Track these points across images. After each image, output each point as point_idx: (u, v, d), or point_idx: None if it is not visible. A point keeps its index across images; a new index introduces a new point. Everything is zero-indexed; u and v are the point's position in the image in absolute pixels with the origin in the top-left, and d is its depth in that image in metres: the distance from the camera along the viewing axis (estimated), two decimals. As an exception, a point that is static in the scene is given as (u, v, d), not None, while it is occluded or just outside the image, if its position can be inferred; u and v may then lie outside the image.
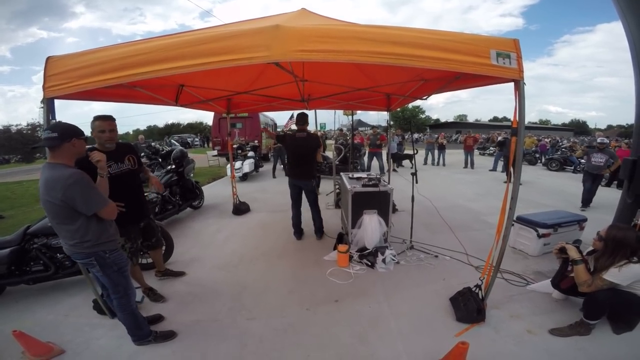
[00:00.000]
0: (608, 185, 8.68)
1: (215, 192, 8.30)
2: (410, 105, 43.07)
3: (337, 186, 6.65)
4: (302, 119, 4.41)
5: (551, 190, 8.38)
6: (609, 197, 6.66)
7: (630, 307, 2.41)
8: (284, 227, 5.08)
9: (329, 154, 9.79)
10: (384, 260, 3.67)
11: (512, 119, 2.27)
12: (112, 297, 2.28)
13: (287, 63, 2.94)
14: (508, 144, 9.08)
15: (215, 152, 14.02)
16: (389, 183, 4.39)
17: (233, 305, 3.01)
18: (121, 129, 2.89)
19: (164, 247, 3.57)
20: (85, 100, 2.84)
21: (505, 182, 8.76)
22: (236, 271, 3.74)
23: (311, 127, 5.01)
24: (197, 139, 35.61)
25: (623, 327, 2.52)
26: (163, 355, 2.36)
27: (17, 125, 33.80)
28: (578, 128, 67.44)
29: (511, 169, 2.40)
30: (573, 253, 2.58)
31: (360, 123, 30.06)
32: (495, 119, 79.52)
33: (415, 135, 30.81)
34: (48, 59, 2.19)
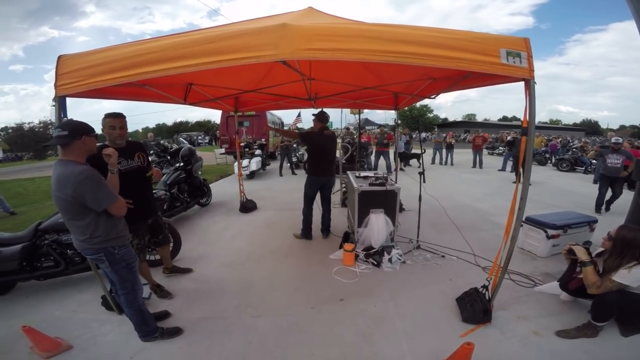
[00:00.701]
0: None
1: (222, 189, 8.36)
2: (418, 104, 42.78)
3: (343, 185, 6.65)
4: (326, 117, 4.44)
5: (561, 190, 8.26)
6: (622, 197, 6.53)
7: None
8: (290, 226, 5.10)
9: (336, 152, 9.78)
10: (390, 260, 3.66)
11: (522, 118, 2.24)
12: (120, 293, 2.31)
13: (294, 61, 2.94)
14: (517, 144, 8.99)
15: (222, 150, 14.12)
16: (396, 182, 4.37)
17: (239, 302, 3.03)
18: (130, 127, 2.93)
19: (171, 244, 3.61)
20: (96, 98, 2.88)
21: (514, 182, 8.67)
22: (243, 269, 3.76)
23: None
24: (205, 137, 35.87)
25: (631, 329, 2.47)
26: (169, 352, 2.39)
27: (29, 123, 34.61)
28: (590, 128, 66.36)
29: (520, 169, 2.37)
30: (582, 254, 2.54)
31: (367, 122, 29.96)
32: (505, 118, 78.58)
33: (423, 135, 30.61)
34: (60, 57, 2.22)
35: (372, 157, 11.22)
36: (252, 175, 9.93)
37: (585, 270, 2.49)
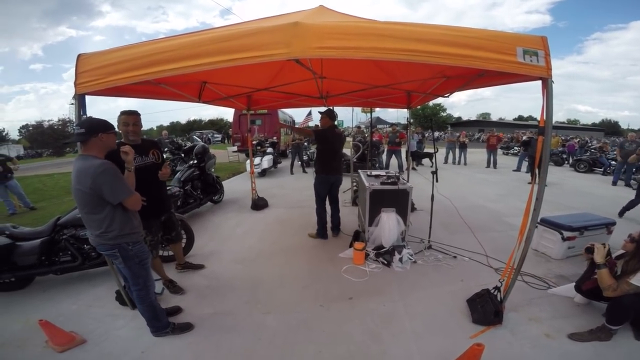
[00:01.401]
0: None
1: (234, 187, 8.45)
2: (430, 103, 42.27)
3: (354, 183, 6.64)
4: (334, 115, 4.44)
5: (578, 192, 8.04)
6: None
7: (657, 313, 2.31)
8: (301, 224, 5.13)
9: (347, 151, 9.77)
10: (400, 260, 3.64)
11: (538, 117, 2.20)
12: (132, 289, 2.36)
13: (306, 60, 2.95)
14: (533, 144, 8.80)
15: (235, 148, 14.26)
16: (408, 181, 4.34)
17: (249, 299, 3.07)
18: (145, 125, 2.99)
19: (184, 241, 3.67)
20: (113, 96, 2.95)
21: (529, 183, 8.50)
22: (253, 265, 3.80)
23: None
24: (217, 135, 36.26)
25: (647, 333, 2.40)
26: (179, 347, 2.43)
27: (49, 121, 35.86)
28: (609, 128, 64.37)
29: (536, 170, 2.33)
30: (598, 256, 2.48)
31: (379, 120, 29.74)
32: (520, 117, 76.92)
33: (436, 134, 30.23)
34: (79, 56, 2.27)
35: (384, 156, 11.15)
36: (263, 173, 10.00)
37: (600, 273, 2.43)
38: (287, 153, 14.29)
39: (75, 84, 2.28)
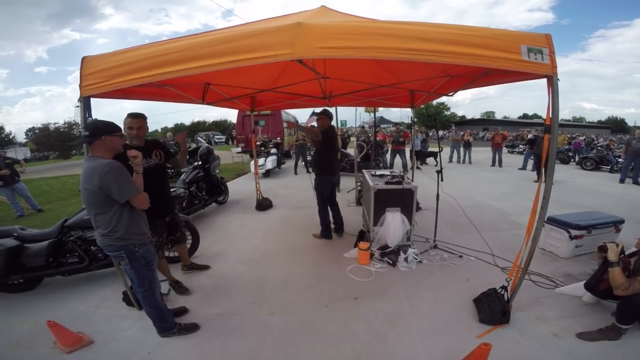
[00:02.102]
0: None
1: (239, 188, 8.48)
2: (434, 102, 42.11)
3: (358, 183, 6.63)
4: (332, 115, 4.41)
5: (585, 190, 7.95)
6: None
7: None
8: (305, 224, 5.13)
9: (351, 151, 9.75)
10: (406, 259, 3.63)
11: (543, 116, 2.18)
12: (138, 291, 2.38)
13: (309, 60, 2.95)
14: (539, 142, 8.73)
15: (239, 149, 14.31)
16: (412, 181, 4.32)
17: (254, 299, 3.08)
18: (150, 127, 3.02)
19: (189, 242, 3.69)
20: (118, 98, 2.96)
21: (535, 181, 8.44)
22: (258, 266, 3.81)
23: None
24: (221, 136, 36.39)
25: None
26: (185, 347, 2.44)
27: (55, 124, 36.24)
28: (615, 126, 63.69)
29: (542, 168, 2.31)
30: (612, 254, 2.44)
31: (382, 120, 29.69)
32: (525, 116, 76.38)
33: (440, 133, 30.11)
34: (83, 59, 2.29)
35: (388, 156, 11.13)
36: (267, 173, 10.02)
37: (612, 271, 2.39)
38: (291, 153, 14.30)
39: (80, 87, 2.30)
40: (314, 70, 3.14)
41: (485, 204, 6.42)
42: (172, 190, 3.85)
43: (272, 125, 14.37)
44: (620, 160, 10.29)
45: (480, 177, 9.88)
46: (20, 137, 45.29)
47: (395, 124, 12.32)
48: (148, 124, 2.84)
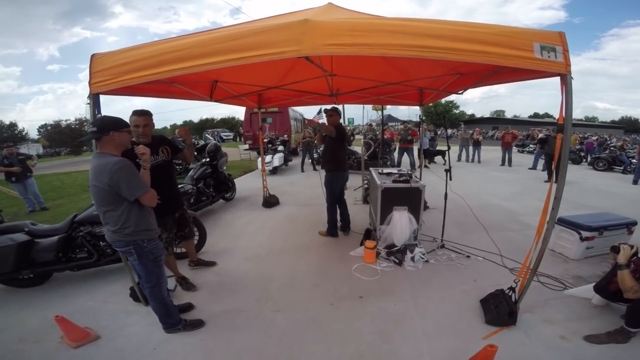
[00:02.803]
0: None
1: (246, 184, 8.52)
2: (443, 100, 41.75)
3: (365, 181, 6.60)
4: (340, 113, 4.40)
5: (597, 191, 7.80)
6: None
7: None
8: (311, 221, 5.13)
9: (358, 149, 9.72)
10: (412, 258, 3.60)
11: (554, 115, 2.17)
12: (145, 286, 2.40)
13: (316, 57, 2.93)
14: (550, 142, 8.58)
15: (246, 146, 14.37)
16: (420, 179, 4.29)
17: (260, 296, 3.09)
18: (159, 124, 3.08)
19: (196, 238, 3.71)
20: (127, 95, 2.99)
21: (545, 181, 8.31)
22: (264, 263, 3.82)
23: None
24: (229, 133, 36.60)
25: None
26: (190, 344, 2.45)
27: (66, 120, 36.94)
28: (629, 126, 62.34)
29: (553, 168, 2.26)
30: (621, 257, 2.39)
31: (390, 118, 29.46)
32: (536, 115, 75.20)
33: (449, 131, 29.80)
34: (93, 56, 2.30)
35: (395, 154, 11.07)
36: (274, 170, 10.06)
37: (621, 274, 2.35)
38: (298, 151, 14.32)
39: (90, 84, 2.32)
40: (320, 68, 3.13)
41: (494, 204, 6.34)
42: (180, 186, 3.87)
43: (279, 123, 14.39)
44: (634, 161, 10.08)
45: (489, 177, 9.76)
46: (33, 134, 46.23)
47: (403, 122, 12.23)
48: (157, 122, 2.86)
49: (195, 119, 63.74)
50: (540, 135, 11.80)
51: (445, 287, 3.18)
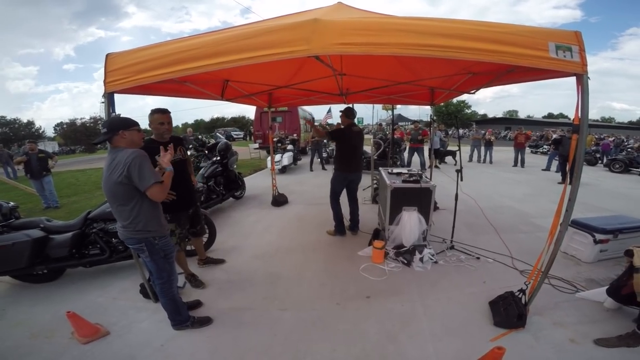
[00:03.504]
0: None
1: (255, 183, 8.58)
2: (454, 100, 41.25)
3: (374, 181, 6.57)
4: (353, 113, 4.40)
5: (613, 193, 7.62)
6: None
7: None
8: (319, 221, 5.14)
9: (367, 148, 9.71)
10: (421, 259, 3.58)
11: (569, 115, 2.13)
12: (156, 282, 2.44)
13: (325, 57, 2.93)
14: (565, 142, 8.40)
15: (256, 145, 14.46)
16: (430, 179, 4.25)
17: (267, 294, 3.11)
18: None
19: (206, 236, 3.76)
20: (141, 94, 3.04)
21: (559, 182, 8.14)
22: (272, 261, 3.84)
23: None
24: (239, 132, 36.90)
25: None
26: (198, 341, 2.48)
27: (81, 119, 37.95)
28: (646, 127, 60.58)
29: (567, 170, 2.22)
30: (638, 260, 2.33)
31: (400, 118, 29.26)
32: (550, 115, 73.66)
33: (461, 131, 29.44)
34: (107, 55, 2.36)
35: (405, 154, 10.99)
36: (284, 169, 10.10)
37: (637, 277, 2.29)
38: (307, 150, 14.33)
39: (105, 83, 2.37)
40: (330, 67, 3.12)
41: (505, 205, 6.24)
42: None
43: (288, 122, 14.44)
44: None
45: (501, 178, 9.61)
46: (49, 132, 47.45)
47: (414, 122, 12.13)
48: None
49: (207, 118, 64.57)
50: (555, 136, 11.57)
51: (453, 289, 3.15)
